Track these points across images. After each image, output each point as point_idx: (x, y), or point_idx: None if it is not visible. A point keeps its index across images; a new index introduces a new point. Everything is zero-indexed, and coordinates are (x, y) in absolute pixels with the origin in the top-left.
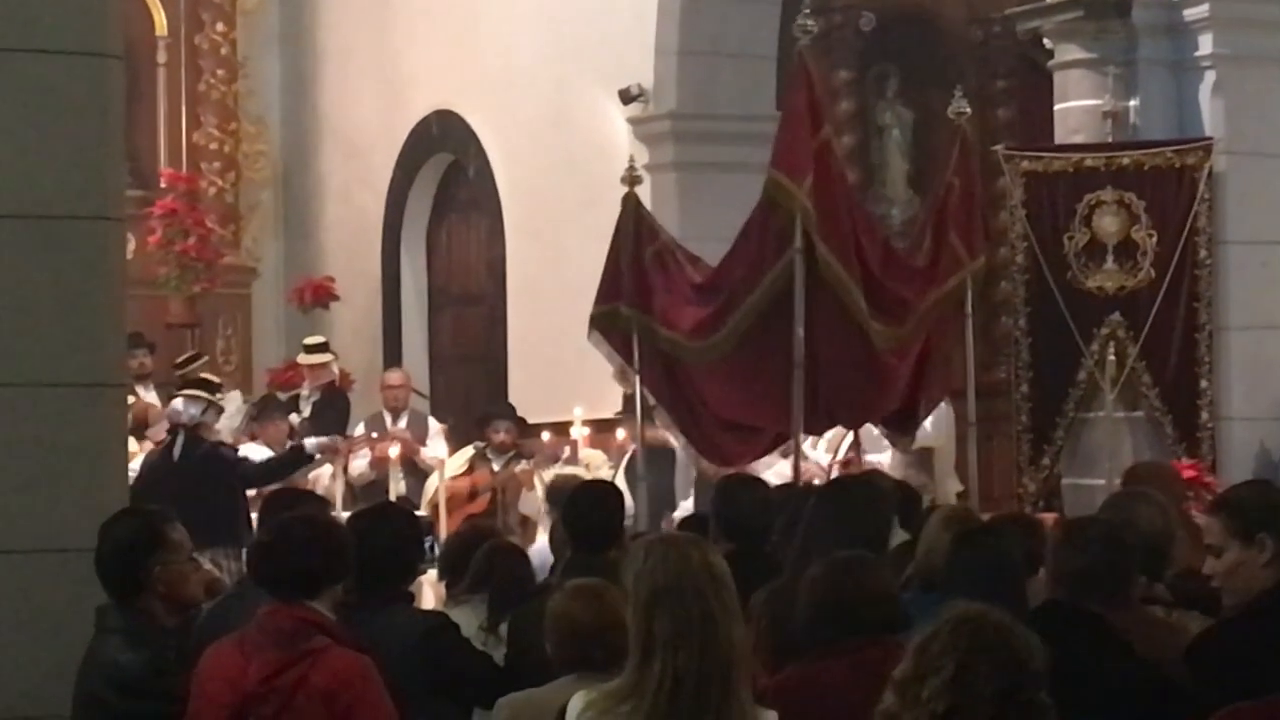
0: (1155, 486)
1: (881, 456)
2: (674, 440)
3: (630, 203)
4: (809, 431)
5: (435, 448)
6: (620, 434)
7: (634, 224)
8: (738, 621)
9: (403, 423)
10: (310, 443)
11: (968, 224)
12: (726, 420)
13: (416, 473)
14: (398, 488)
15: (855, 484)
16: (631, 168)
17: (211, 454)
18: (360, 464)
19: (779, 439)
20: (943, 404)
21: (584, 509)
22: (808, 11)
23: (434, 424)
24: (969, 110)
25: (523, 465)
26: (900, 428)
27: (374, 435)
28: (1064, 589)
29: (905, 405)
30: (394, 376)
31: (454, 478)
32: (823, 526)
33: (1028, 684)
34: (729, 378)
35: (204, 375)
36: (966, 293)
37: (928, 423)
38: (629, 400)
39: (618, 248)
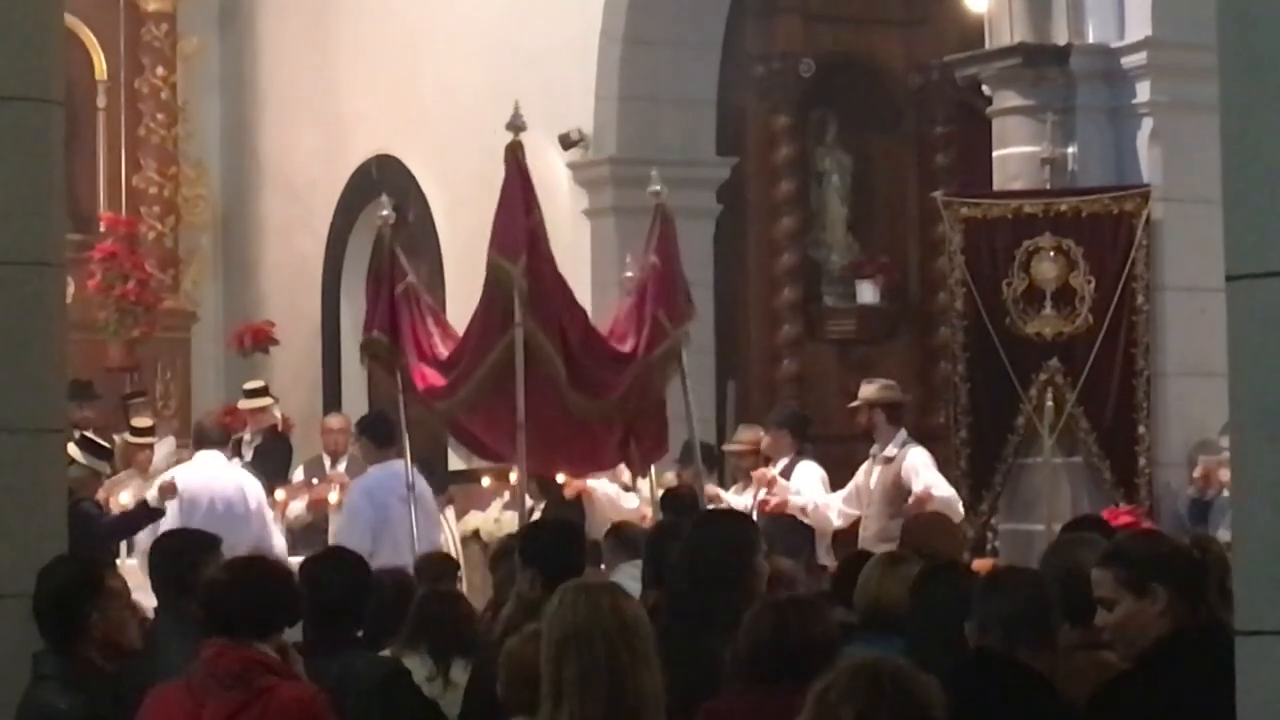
0: (935, 537)
1: (831, 498)
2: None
3: (382, 242)
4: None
5: None
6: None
7: (388, 262)
8: (649, 669)
9: (342, 466)
10: (153, 495)
11: (671, 297)
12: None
13: None
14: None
15: (726, 513)
16: (384, 215)
17: (72, 511)
18: (297, 507)
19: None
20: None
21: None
22: (518, 113)
23: None
24: (665, 190)
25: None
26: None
27: (314, 481)
28: (990, 636)
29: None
30: (334, 421)
31: None
32: (708, 552)
33: None
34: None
35: (87, 435)
36: (680, 355)
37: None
38: None
39: (377, 281)
